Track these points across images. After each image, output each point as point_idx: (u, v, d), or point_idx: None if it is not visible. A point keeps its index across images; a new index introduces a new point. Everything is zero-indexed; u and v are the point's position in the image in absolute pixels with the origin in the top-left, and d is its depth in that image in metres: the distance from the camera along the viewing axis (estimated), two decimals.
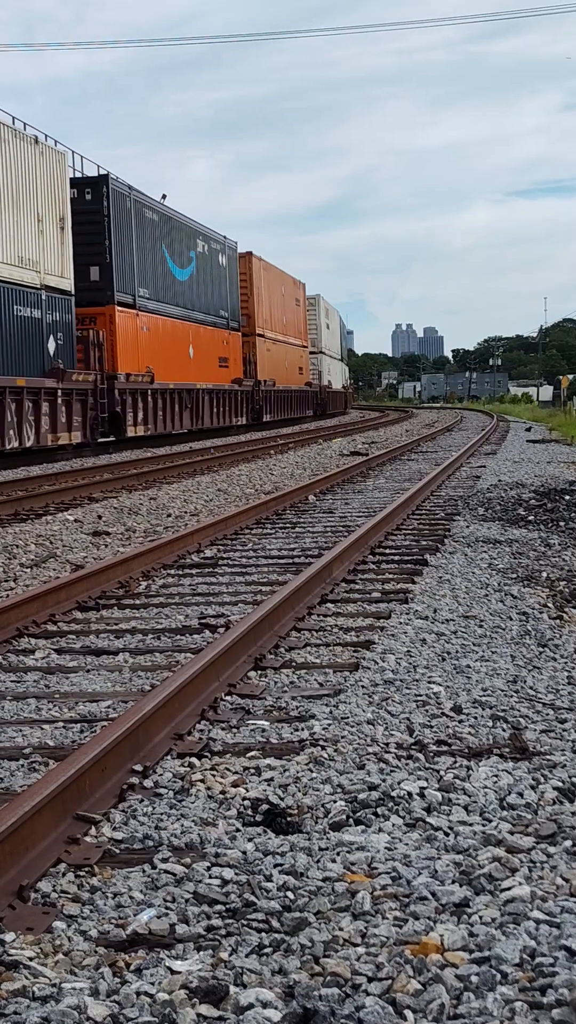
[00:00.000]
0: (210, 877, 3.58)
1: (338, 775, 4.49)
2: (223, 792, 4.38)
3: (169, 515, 14.45)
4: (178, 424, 35.69)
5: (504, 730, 5.07)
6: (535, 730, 5.06)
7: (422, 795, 4.21)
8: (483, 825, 3.94)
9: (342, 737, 5.00)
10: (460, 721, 5.22)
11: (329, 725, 5.19)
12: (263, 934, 3.20)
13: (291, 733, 5.13)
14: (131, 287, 31.67)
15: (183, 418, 36.25)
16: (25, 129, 25.89)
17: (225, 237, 42.93)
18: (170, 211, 36.29)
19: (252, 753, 4.84)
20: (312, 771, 4.57)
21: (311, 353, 62.88)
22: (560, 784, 4.30)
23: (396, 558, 10.27)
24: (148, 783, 4.49)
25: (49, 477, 20.42)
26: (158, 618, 7.89)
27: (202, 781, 4.49)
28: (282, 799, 4.26)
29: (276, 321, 51.32)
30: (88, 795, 4.18)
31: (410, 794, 4.21)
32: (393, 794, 4.21)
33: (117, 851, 3.87)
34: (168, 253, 35.65)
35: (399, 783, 4.32)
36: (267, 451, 28.04)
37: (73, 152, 29.65)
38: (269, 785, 4.42)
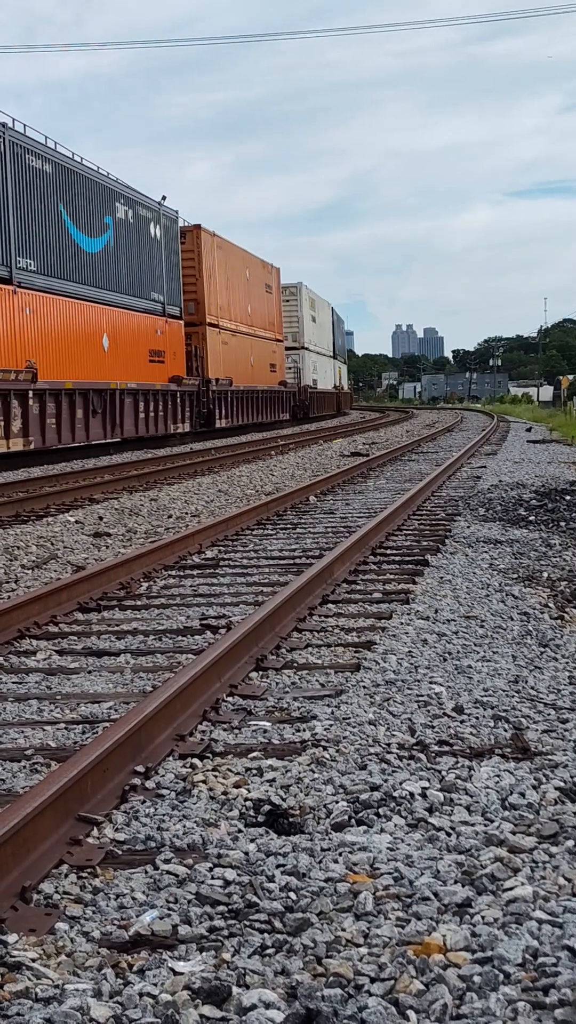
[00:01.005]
0: (212, 878, 3.58)
1: (340, 776, 4.49)
2: (225, 793, 4.38)
3: (170, 516, 14.45)
4: (83, 434, 28.12)
5: (506, 730, 5.07)
6: (536, 730, 5.06)
7: (424, 795, 4.21)
8: (485, 825, 3.94)
9: (344, 738, 5.00)
10: (462, 721, 5.22)
11: (331, 726, 5.19)
12: (265, 935, 3.20)
13: (293, 734, 5.14)
14: (5, 256, 24.47)
15: (92, 426, 28.72)
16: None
17: (162, 203, 34.86)
18: (74, 163, 28.85)
19: (254, 754, 4.84)
20: (314, 772, 4.57)
21: (289, 349, 55.90)
22: (562, 784, 4.30)
23: (397, 558, 10.27)
24: (150, 784, 4.49)
25: (50, 478, 20.43)
26: (159, 619, 7.89)
27: (204, 782, 4.50)
28: (284, 800, 4.26)
29: (237, 310, 43.93)
30: (90, 796, 4.19)
31: (412, 794, 4.21)
32: (395, 794, 4.21)
33: (119, 852, 3.87)
34: (69, 216, 28.18)
35: (401, 783, 4.32)
36: (268, 452, 28.04)
37: None
38: (271, 786, 4.42)
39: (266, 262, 50.15)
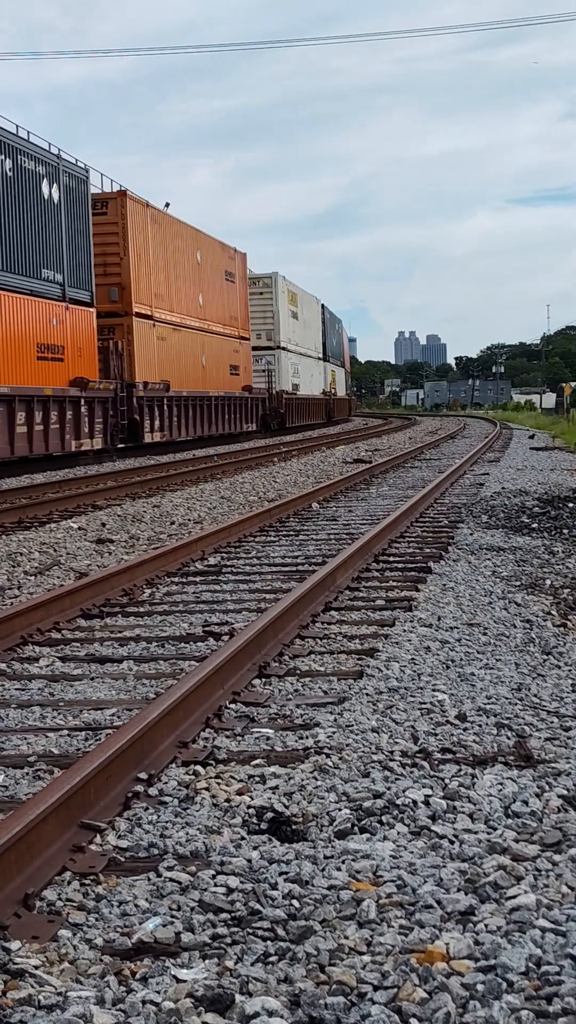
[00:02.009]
0: (215, 885, 3.58)
1: (343, 783, 4.49)
2: (228, 800, 4.38)
3: (173, 522, 14.46)
4: None
5: (509, 738, 5.07)
6: (540, 738, 5.06)
7: (427, 803, 4.21)
8: (488, 833, 3.93)
9: (347, 745, 5.00)
10: (465, 729, 5.21)
11: (334, 733, 5.19)
12: (268, 942, 3.20)
13: (296, 741, 5.13)
14: None
15: None
16: None
17: (60, 156, 27.33)
18: None
19: (257, 761, 4.84)
20: (317, 779, 4.56)
21: (262, 349, 48.12)
22: (565, 792, 4.30)
23: (400, 566, 10.27)
24: (153, 791, 4.48)
25: (53, 485, 20.45)
26: (162, 626, 7.89)
27: (207, 789, 4.49)
28: (287, 807, 4.26)
29: (183, 299, 36.23)
30: (93, 803, 4.18)
31: (415, 802, 4.21)
32: (398, 802, 4.21)
33: (122, 859, 3.87)
34: None
35: (404, 791, 4.32)
36: (271, 458, 28.06)
37: None
38: (274, 793, 4.42)
39: (227, 245, 41.77)
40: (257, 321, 47.64)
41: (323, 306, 65.22)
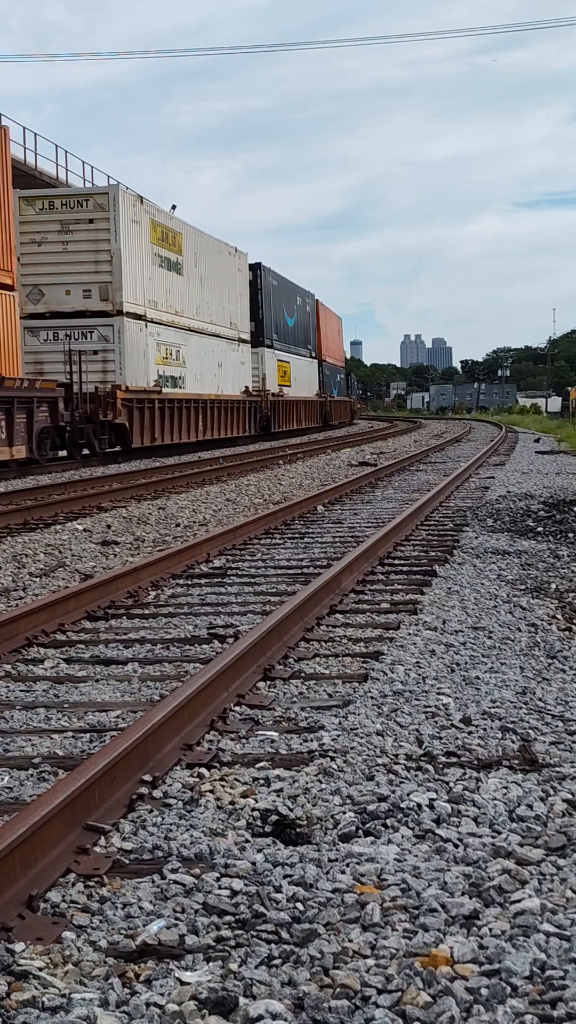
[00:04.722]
0: (219, 888, 3.58)
1: (347, 786, 4.49)
2: (232, 803, 4.38)
3: (178, 525, 14.46)
4: None
5: (513, 742, 5.06)
6: (544, 742, 5.05)
7: (432, 807, 4.21)
8: (493, 837, 3.93)
9: (351, 748, 4.99)
10: (469, 733, 5.21)
11: (338, 736, 5.19)
12: (272, 945, 3.20)
13: (300, 744, 5.13)
14: None
15: None
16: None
17: None
18: None
19: (261, 764, 4.84)
20: (321, 782, 4.56)
21: (88, 315, 30.50)
22: (570, 796, 4.30)
23: (405, 569, 10.27)
24: (157, 793, 4.49)
25: (58, 487, 20.45)
26: (167, 628, 7.89)
27: (211, 792, 4.49)
28: (291, 810, 4.26)
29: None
30: (97, 805, 4.19)
31: (419, 805, 4.21)
32: (402, 805, 4.21)
33: (127, 861, 3.87)
34: None
35: (408, 794, 4.32)
36: (275, 461, 28.07)
37: None
38: (278, 796, 4.42)
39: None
40: (78, 267, 29.65)
41: (266, 269, 46.16)
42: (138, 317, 30.67)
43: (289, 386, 50.02)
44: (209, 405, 37.05)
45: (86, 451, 27.82)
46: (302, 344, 53.32)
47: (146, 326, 31.31)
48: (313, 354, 56.99)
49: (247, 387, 42.69)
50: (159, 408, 32.04)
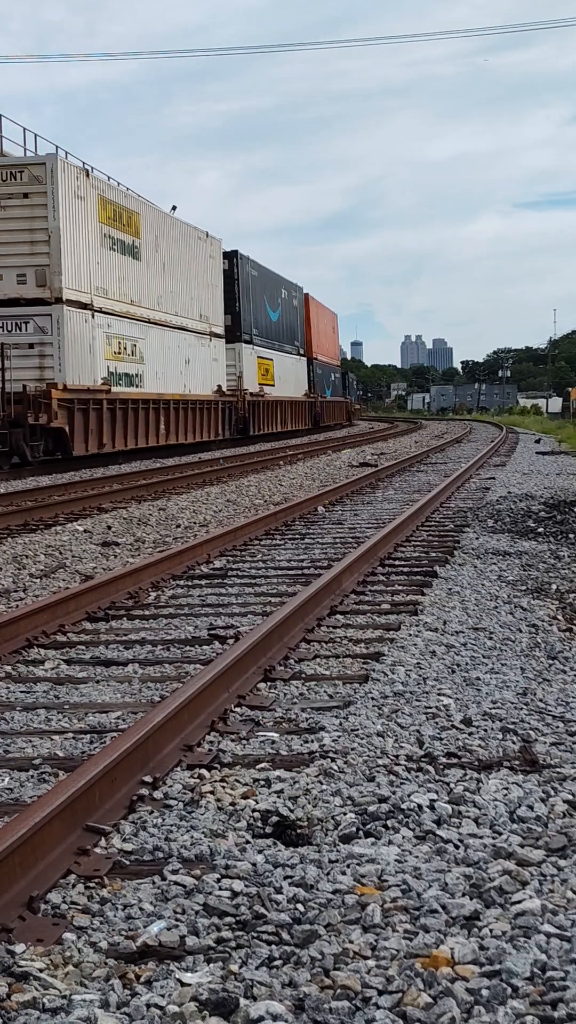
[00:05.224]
0: (220, 889, 3.58)
1: (348, 787, 4.49)
2: (233, 804, 4.37)
3: (178, 526, 14.46)
4: None
5: (514, 743, 5.06)
6: (545, 743, 5.05)
7: (432, 807, 4.21)
8: (493, 838, 3.93)
9: (352, 749, 4.99)
10: (470, 733, 5.21)
11: (339, 737, 5.19)
12: (273, 946, 3.20)
13: (301, 745, 5.13)
14: None
15: None
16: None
17: None
18: None
19: (262, 765, 4.84)
20: (322, 783, 4.56)
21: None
22: (570, 797, 4.29)
23: (406, 569, 10.27)
24: (158, 794, 4.49)
25: (59, 487, 20.46)
26: (167, 629, 7.89)
27: (212, 793, 4.49)
28: (292, 811, 4.26)
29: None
30: (98, 806, 4.19)
31: (420, 806, 4.21)
32: (403, 806, 4.21)
33: (127, 862, 3.87)
34: None
35: (409, 795, 4.32)
36: (276, 462, 28.06)
37: None
38: (279, 797, 4.42)
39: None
40: (10, 249, 25.88)
41: (245, 257, 42.58)
42: (83, 306, 26.91)
43: (272, 385, 46.49)
44: (172, 406, 33.12)
45: (16, 459, 24.38)
46: (288, 340, 49.92)
47: (92, 316, 27.52)
48: (302, 351, 53.40)
49: (220, 386, 38.63)
50: (108, 410, 28.01)
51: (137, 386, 30.50)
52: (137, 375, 30.67)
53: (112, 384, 28.40)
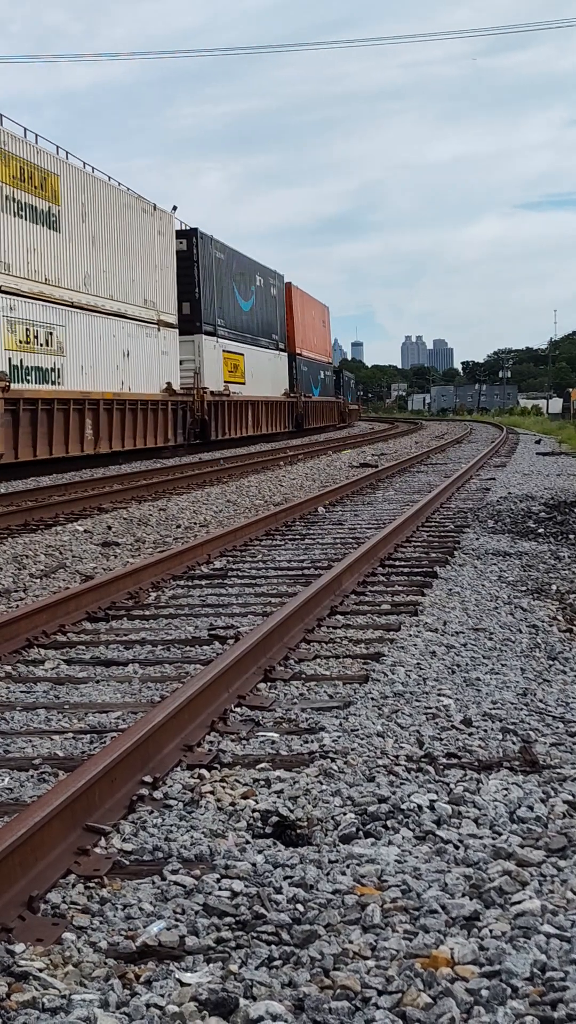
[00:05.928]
0: (220, 889, 3.57)
1: (348, 787, 4.49)
2: (233, 804, 4.37)
3: (178, 526, 14.46)
4: None
5: (514, 743, 5.06)
6: (545, 743, 5.05)
7: (432, 808, 4.20)
8: (493, 838, 3.93)
9: (352, 749, 4.99)
10: (470, 734, 5.21)
11: (339, 737, 5.19)
12: (273, 946, 3.20)
13: (301, 745, 5.13)
14: None
15: None
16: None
17: None
18: None
19: (262, 765, 4.84)
20: (322, 783, 4.56)
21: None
22: (570, 798, 4.29)
23: (406, 570, 10.27)
24: (158, 794, 4.48)
25: (59, 488, 20.46)
26: (168, 629, 7.89)
27: (212, 793, 4.49)
28: (292, 811, 4.25)
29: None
30: (98, 806, 4.18)
31: (420, 807, 4.21)
32: (403, 807, 4.21)
33: (127, 862, 3.86)
34: None
35: (409, 796, 4.32)
36: (276, 462, 28.06)
37: None
38: (279, 797, 4.42)
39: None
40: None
41: (208, 237, 37.21)
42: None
43: (243, 383, 41.10)
44: (103, 407, 27.87)
45: None
46: (263, 333, 44.80)
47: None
48: (281, 346, 48.22)
49: (170, 383, 33.06)
50: (8, 411, 22.72)
51: (53, 383, 25.28)
52: (53, 369, 25.38)
53: (15, 380, 23.24)
